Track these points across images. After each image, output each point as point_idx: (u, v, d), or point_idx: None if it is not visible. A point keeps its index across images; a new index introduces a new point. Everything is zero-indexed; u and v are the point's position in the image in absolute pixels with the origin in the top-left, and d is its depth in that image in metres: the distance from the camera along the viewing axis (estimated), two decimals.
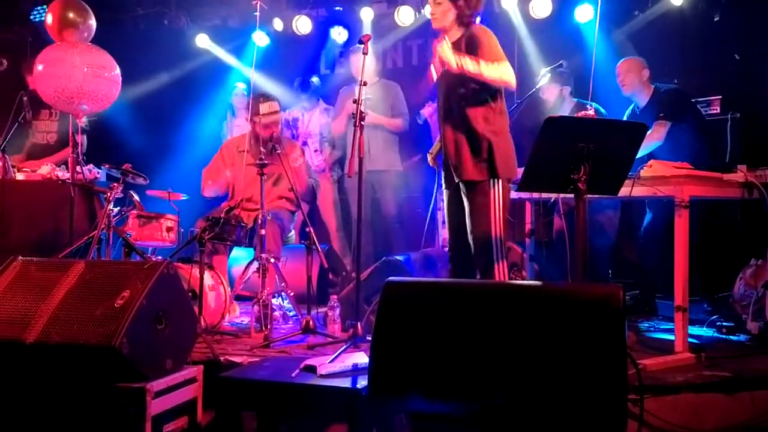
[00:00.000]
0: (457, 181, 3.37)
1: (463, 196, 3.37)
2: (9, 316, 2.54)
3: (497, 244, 3.27)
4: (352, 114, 3.37)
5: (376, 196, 5.32)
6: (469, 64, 3.18)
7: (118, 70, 4.74)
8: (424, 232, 4.35)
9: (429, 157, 3.74)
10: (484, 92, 3.31)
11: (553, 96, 4.76)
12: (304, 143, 5.64)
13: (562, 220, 4.04)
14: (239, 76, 6.22)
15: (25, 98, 5.22)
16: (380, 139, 5.25)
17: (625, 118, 4.51)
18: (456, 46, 3.35)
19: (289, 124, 5.81)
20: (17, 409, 2.53)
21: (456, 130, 3.37)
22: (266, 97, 4.61)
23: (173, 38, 6.56)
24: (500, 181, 3.29)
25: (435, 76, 3.42)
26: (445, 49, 3.19)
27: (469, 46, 3.31)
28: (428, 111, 5.12)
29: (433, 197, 4.12)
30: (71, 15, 4.85)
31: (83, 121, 4.59)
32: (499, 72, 3.22)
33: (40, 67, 4.56)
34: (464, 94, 3.34)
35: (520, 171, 3.28)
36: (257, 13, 5.94)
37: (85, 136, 5.32)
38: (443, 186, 3.55)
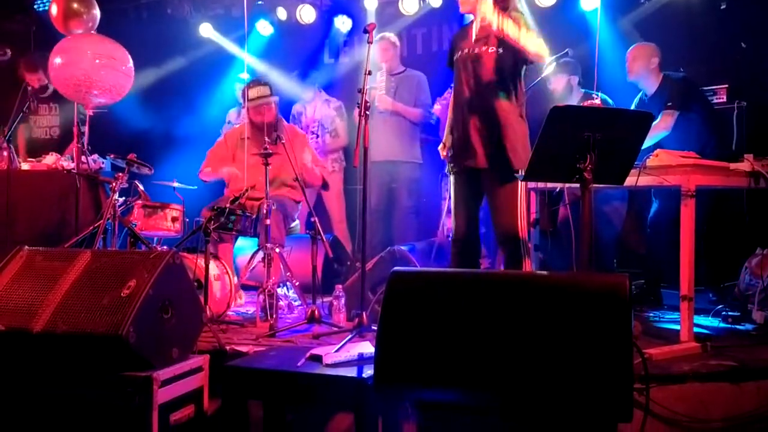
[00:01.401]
0: (480, 167, 3.39)
1: (488, 185, 3.41)
2: (16, 306, 2.55)
3: (524, 240, 3.36)
4: (357, 103, 3.37)
5: (393, 186, 5.30)
6: (511, 28, 3.20)
7: (130, 63, 4.75)
8: (443, 221, 4.38)
9: (442, 151, 3.72)
10: (510, 82, 3.38)
11: (561, 86, 4.73)
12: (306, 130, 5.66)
13: (567, 209, 4.03)
14: (243, 66, 6.21)
15: (29, 88, 5.24)
16: (402, 129, 5.22)
17: (633, 106, 4.49)
18: (486, 30, 3.36)
19: (294, 119, 5.80)
20: (24, 397, 2.54)
21: (484, 118, 3.38)
22: (257, 82, 4.60)
23: (176, 27, 6.54)
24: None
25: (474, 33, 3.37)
26: (487, 8, 3.19)
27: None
28: (439, 109, 5.09)
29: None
30: (75, 5, 4.87)
31: (90, 112, 4.60)
32: (538, 42, 3.26)
33: (57, 60, 4.60)
34: (493, 82, 3.37)
35: None
36: (259, 3, 5.95)
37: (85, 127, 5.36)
38: (451, 172, 3.58)
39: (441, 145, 3.73)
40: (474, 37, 3.47)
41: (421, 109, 5.27)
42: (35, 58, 5.39)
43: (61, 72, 4.60)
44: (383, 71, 5.22)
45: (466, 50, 3.48)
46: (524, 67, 3.44)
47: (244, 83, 5.84)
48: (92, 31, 4.90)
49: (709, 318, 3.80)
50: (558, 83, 4.72)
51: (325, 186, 5.10)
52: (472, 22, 3.55)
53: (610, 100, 4.50)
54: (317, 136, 5.68)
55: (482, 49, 3.41)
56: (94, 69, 4.51)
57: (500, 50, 3.36)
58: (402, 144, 5.22)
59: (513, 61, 3.38)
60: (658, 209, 4.30)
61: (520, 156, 3.35)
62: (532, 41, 3.24)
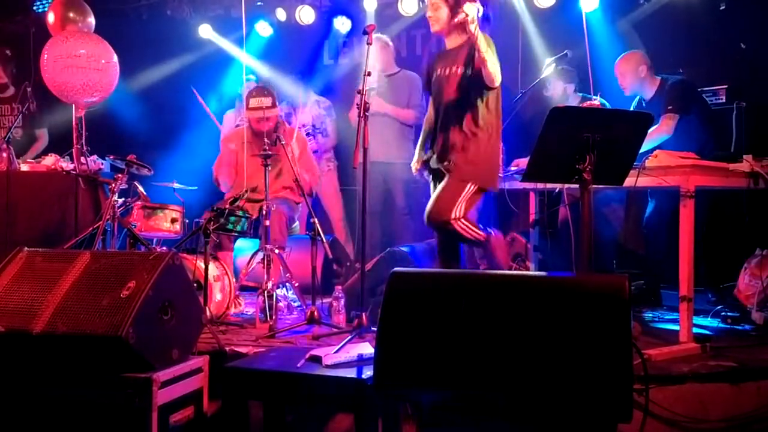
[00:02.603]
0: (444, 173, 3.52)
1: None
2: (16, 307, 2.55)
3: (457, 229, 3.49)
4: (357, 104, 3.38)
5: (387, 187, 5.30)
6: (482, 41, 3.31)
7: (112, 58, 4.77)
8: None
9: (414, 165, 3.86)
10: (476, 102, 3.50)
11: (558, 93, 4.74)
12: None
13: (567, 210, 4.04)
14: (242, 67, 6.21)
15: (29, 89, 5.25)
16: (394, 130, 5.22)
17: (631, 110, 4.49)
18: (455, 53, 3.54)
19: (283, 119, 5.81)
20: (24, 398, 2.54)
21: (450, 136, 3.51)
22: (260, 92, 4.56)
23: (176, 28, 6.55)
24: (474, 186, 3.48)
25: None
26: (471, 9, 3.26)
27: (471, 51, 3.45)
28: None
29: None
30: (71, 14, 4.95)
31: (81, 112, 4.62)
32: (495, 62, 3.39)
33: (45, 56, 4.62)
34: (457, 102, 3.51)
35: (524, 162, 3.31)
36: (259, 4, 5.94)
37: (45, 130, 5.42)
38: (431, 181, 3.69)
39: (414, 161, 3.86)
40: (445, 57, 3.61)
41: (414, 110, 5.27)
42: None
43: (60, 74, 4.64)
44: (378, 72, 5.23)
45: (438, 71, 3.63)
46: (488, 91, 3.52)
47: (249, 82, 5.88)
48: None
49: (709, 319, 3.80)
50: (555, 89, 4.74)
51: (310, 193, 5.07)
52: (445, 48, 3.68)
53: (607, 104, 4.50)
54: (312, 137, 5.68)
55: (451, 70, 3.55)
56: (68, 70, 4.55)
57: (468, 72, 3.47)
58: (394, 145, 5.21)
59: (478, 83, 3.47)
60: (654, 209, 4.30)
61: (477, 170, 3.49)
62: (493, 59, 3.38)
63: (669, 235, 3.75)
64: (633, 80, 4.33)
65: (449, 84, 3.56)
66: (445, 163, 3.53)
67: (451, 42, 3.63)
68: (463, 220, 3.47)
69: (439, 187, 3.56)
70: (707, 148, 4.05)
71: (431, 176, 3.75)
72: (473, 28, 3.25)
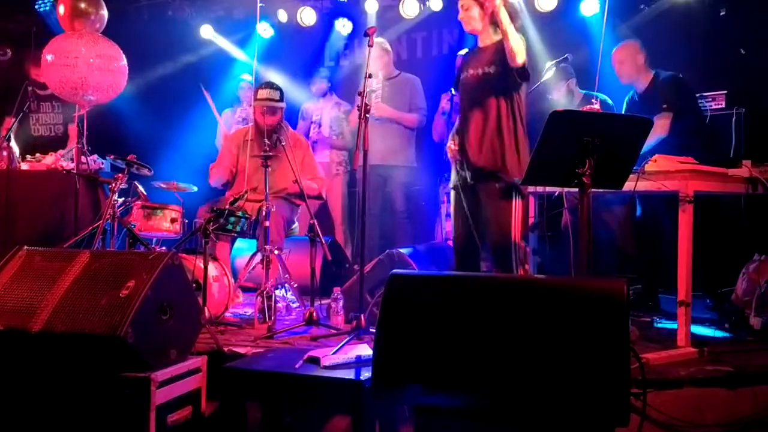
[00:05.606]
0: (473, 181, 3.46)
1: (482, 196, 3.48)
2: (15, 306, 2.56)
3: (516, 245, 3.45)
4: (358, 106, 3.39)
5: (387, 190, 5.31)
6: (505, 17, 3.30)
7: (124, 61, 4.77)
8: (442, 224, 4.39)
9: (450, 149, 3.73)
10: (508, 101, 3.47)
11: (562, 93, 4.75)
12: (312, 123, 5.71)
13: (568, 213, 4.04)
14: (243, 68, 6.22)
15: (30, 89, 5.26)
16: (397, 134, 5.23)
17: (624, 105, 4.50)
18: (485, 52, 3.52)
19: (303, 116, 5.82)
20: (23, 397, 2.54)
21: (487, 128, 3.45)
22: (269, 85, 4.64)
23: (177, 29, 6.56)
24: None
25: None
26: None
27: (501, 48, 3.42)
28: (448, 105, 5.11)
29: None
30: (83, 5, 4.88)
31: (83, 111, 4.63)
32: (520, 41, 3.35)
33: (49, 57, 4.61)
34: (491, 101, 3.46)
35: None
36: (261, 5, 5.95)
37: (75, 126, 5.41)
38: (453, 179, 3.61)
39: (450, 144, 3.72)
40: (477, 58, 3.57)
41: (417, 114, 5.28)
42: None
43: (55, 72, 4.62)
44: (379, 78, 5.24)
45: (471, 71, 3.58)
46: (523, 84, 3.52)
47: (245, 82, 5.90)
48: (91, 31, 4.91)
49: (706, 324, 3.80)
50: (558, 92, 4.74)
51: (318, 197, 5.08)
52: (477, 47, 3.65)
53: (609, 101, 4.50)
54: (319, 126, 5.69)
55: (484, 69, 3.52)
56: (92, 72, 4.53)
57: (500, 69, 3.45)
58: (396, 148, 5.22)
59: (510, 79, 3.46)
60: (641, 213, 4.30)
61: (513, 173, 3.46)
62: (516, 36, 3.34)
63: (655, 237, 3.77)
64: (631, 68, 4.33)
65: (483, 84, 3.53)
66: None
67: (484, 40, 3.61)
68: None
69: (486, 200, 3.51)
70: (705, 151, 4.04)
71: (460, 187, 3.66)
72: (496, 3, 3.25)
